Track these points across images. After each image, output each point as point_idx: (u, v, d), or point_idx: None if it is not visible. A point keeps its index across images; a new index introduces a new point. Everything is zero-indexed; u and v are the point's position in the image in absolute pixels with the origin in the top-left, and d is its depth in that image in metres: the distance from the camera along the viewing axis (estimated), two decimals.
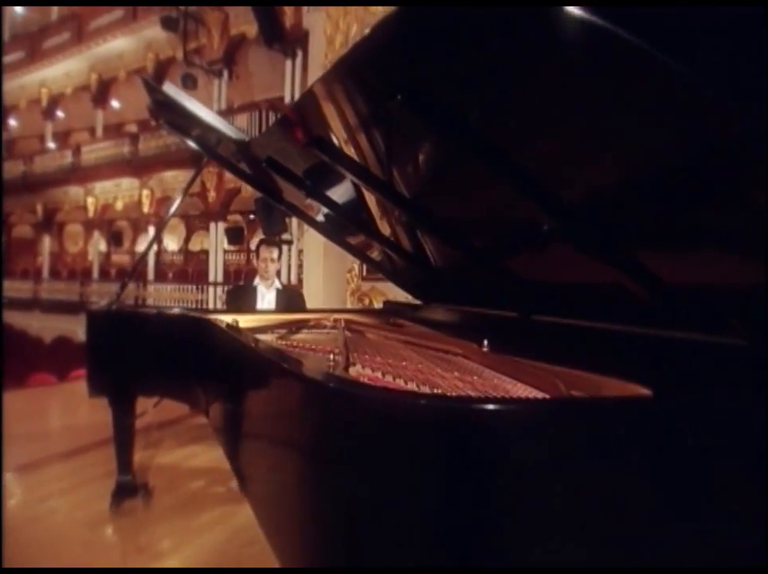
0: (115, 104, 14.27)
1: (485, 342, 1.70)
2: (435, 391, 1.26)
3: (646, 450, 0.82)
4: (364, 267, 5.71)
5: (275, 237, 5.42)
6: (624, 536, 0.79)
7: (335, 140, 1.52)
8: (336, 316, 2.92)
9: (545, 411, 0.78)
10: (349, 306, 5.59)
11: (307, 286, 6.06)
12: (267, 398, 1.33)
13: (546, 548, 0.76)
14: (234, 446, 1.68)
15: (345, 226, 2.60)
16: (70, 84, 14.32)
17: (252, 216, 14.21)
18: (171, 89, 2.16)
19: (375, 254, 2.82)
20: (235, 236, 12.33)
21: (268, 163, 2.00)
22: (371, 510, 0.82)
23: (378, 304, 5.52)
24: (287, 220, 6.92)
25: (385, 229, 2.40)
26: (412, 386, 1.33)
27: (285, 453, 1.12)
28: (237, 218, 13.10)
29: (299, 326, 2.70)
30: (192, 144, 2.47)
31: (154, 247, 13.08)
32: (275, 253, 3.30)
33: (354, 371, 1.50)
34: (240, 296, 3.36)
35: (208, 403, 2.12)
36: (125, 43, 12.60)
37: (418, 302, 2.88)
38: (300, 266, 9.18)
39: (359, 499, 0.84)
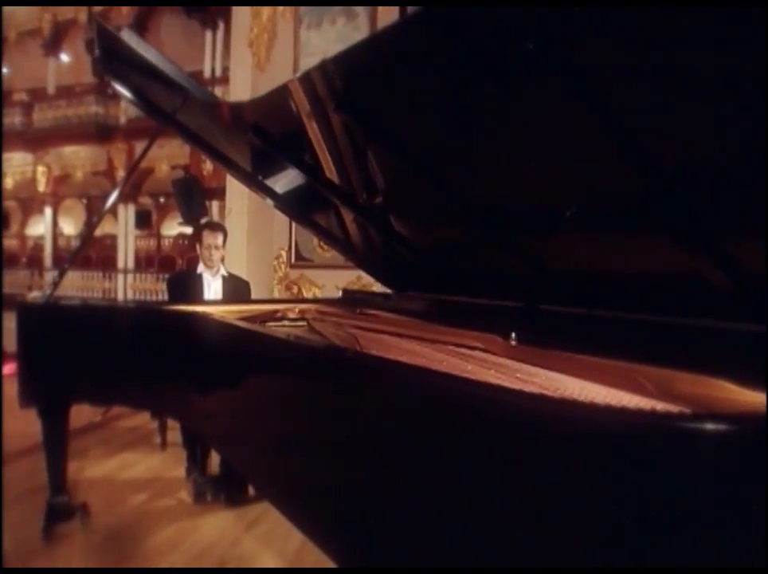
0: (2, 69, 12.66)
1: (513, 335, 1.56)
2: None
3: None
4: (293, 254, 5.41)
5: (195, 222, 4.99)
6: None
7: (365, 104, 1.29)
8: (302, 306, 2.67)
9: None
10: (276, 295, 5.28)
11: None
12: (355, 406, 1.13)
13: None
14: (277, 454, 1.44)
15: (312, 204, 2.37)
16: None
17: (162, 199, 13.29)
18: (130, 37, 1.81)
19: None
20: (142, 220, 11.45)
21: (255, 131, 1.73)
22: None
23: (307, 293, 5.28)
24: (207, 203, 6.48)
25: (348, 216, 2.20)
26: None
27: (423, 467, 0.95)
28: (146, 200, 12.16)
29: (262, 319, 2.43)
30: (144, 107, 2.12)
31: (50, 231, 11.89)
32: (219, 239, 2.98)
33: None
34: (185, 286, 3.00)
35: (206, 408, 1.80)
36: None
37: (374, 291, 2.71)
38: None
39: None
